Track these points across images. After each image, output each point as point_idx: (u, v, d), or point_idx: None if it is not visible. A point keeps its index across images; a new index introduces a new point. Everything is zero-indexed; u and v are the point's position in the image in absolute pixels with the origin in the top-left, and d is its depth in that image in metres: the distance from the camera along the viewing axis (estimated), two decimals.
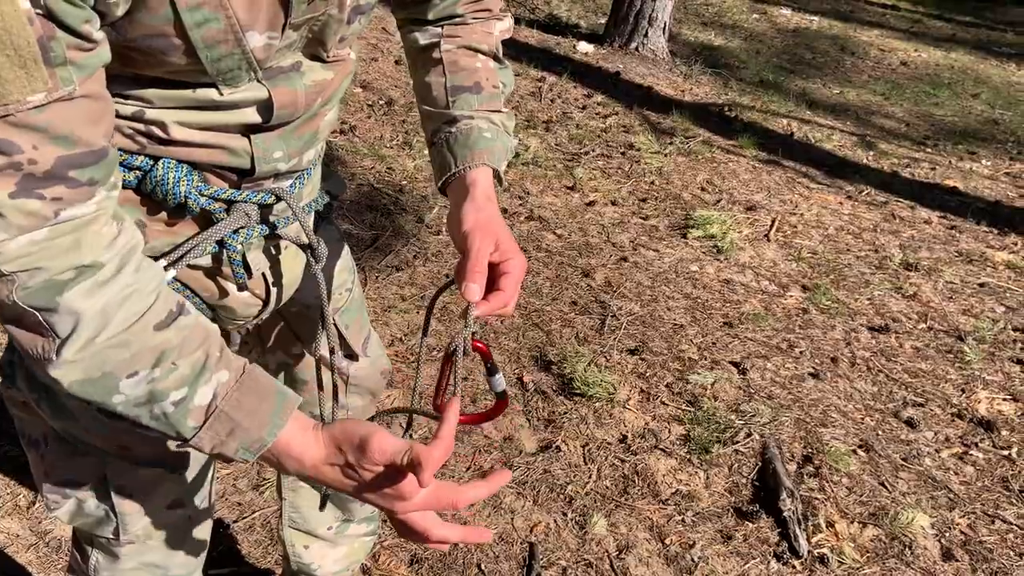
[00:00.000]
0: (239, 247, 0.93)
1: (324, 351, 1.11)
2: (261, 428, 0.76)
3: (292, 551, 1.46)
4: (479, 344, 0.93)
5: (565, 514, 2.07)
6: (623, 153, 4.28)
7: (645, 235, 3.49)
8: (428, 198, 3.51)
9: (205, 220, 0.91)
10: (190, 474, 1.04)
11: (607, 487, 2.17)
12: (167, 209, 0.89)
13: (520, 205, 3.58)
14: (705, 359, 2.71)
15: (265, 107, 0.84)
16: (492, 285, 0.92)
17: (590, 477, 2.19)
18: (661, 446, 2.32)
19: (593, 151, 4.26)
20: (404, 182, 3.62)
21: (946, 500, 2.25)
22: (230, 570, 1.83)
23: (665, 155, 4.30)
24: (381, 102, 4.39)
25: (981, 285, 3.42)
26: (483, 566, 1.91)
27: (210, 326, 0.78)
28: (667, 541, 2.03)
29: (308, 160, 0.96)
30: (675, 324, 2.89)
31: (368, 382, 1.30)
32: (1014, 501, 2.28)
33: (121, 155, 0.84)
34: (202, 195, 0.88)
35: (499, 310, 0.91)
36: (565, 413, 2.40)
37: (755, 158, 4.47)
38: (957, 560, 2.06)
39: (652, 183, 3.99)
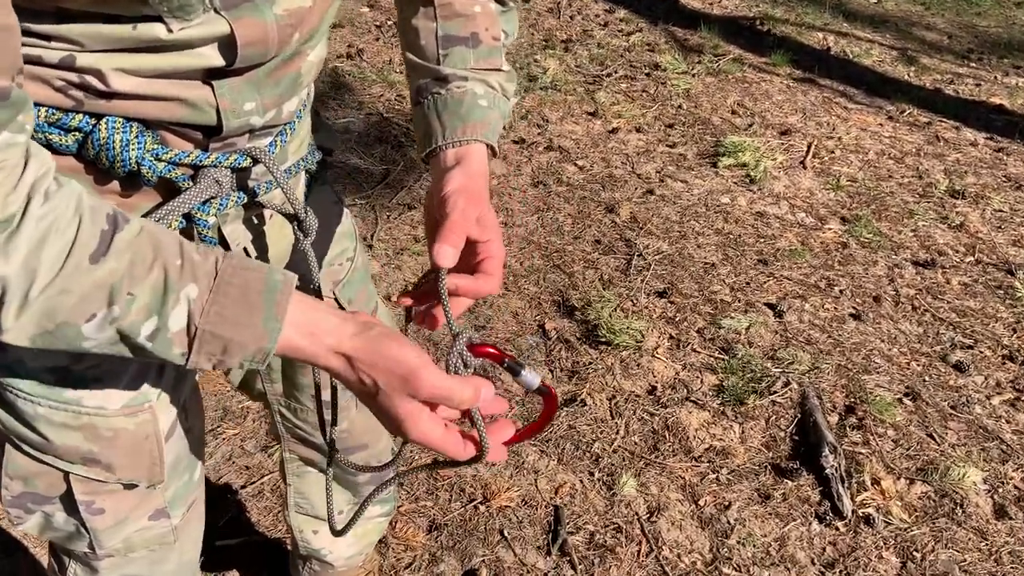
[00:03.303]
0: (211, 220, 0.77)
1: None
2: (259, 340, 0.65)
3: (300, 536, 1.34)
4: (484, 349, 0.74)
5: (592, 474, 1.95)
6: (648, 74, 4.02)
7: (672, 165, 3.28)
8: None
9: (167, 189, 0.76)
10: (172, 482, 0.90)
11: (636, 444, 2.04)
12: (118, 178, 0.73)
13: (539, 135, 3.36)
14: (739, 301, 2.55)
15: (227, 45, 0.67)
16: (474, 269, 0.78)
17: (617, 433, 2.06)
18: (693, 398, 2.18)
19: (616, 72, 3.99)
20: None
21: (998, 452, 2.11)
22: (240, 540, 1.73)
23: (693, 75, 4.03)
24: (390, 22, 4.12)
25: None
26: (506, 532, 1.80)
27: (158, 230, 0.64)
28: (701, 502, 1.91)
29: (289, 111, 0.79)
30: (706, 263, 2.71)
31: None
32: None
33: (54, 114, 0.68)
34: (159, 160, 0.72)
35: (485, 292, 0.79)
36: (590, 363, 2.25)
37: (789, 76, 4.19)
38: (1011, 518, 1.93)
39: (679, 107, 3.74)
